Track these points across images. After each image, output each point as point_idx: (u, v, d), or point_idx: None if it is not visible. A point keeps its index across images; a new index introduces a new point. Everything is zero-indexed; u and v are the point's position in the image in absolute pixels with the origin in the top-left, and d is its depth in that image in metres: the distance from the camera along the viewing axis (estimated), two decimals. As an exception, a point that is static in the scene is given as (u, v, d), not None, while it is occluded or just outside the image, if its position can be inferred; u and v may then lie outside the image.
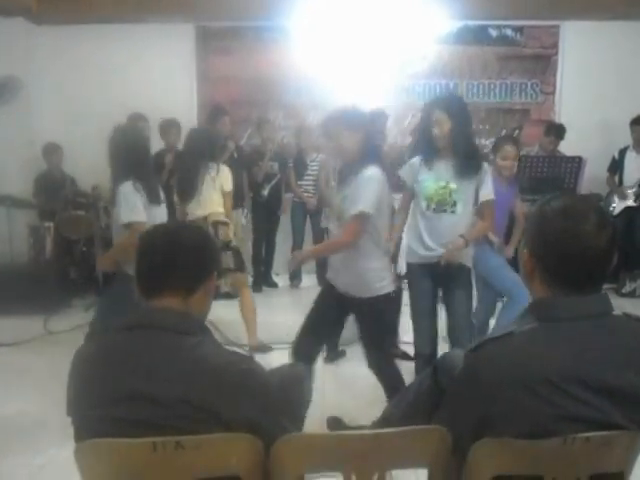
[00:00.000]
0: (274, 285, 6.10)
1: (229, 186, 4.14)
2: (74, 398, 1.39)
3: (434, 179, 3.01)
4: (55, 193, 5.61)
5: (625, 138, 5.87)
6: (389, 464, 1.44)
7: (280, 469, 1.35)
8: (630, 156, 5.87)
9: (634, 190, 5.78)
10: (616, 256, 1.35)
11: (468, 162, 2.97)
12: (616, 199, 5.86)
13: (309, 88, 6.36)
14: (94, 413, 1.32)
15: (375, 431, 1.45)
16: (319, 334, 2.90)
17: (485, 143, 6.33)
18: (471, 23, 6.34)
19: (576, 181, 4.99)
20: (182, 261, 1.42)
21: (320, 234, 5.79)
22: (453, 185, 2.98)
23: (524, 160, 5.20)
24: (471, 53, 6.42)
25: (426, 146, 3.09)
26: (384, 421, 2.04)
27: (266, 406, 1.37)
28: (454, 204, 2.99)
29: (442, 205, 3.01)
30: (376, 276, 2.76)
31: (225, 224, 4.09)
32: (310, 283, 5.88)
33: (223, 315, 3.93)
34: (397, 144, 6.39)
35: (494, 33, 6.40)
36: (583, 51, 6.22)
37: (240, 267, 4.14)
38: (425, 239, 3.05)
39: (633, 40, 6.16)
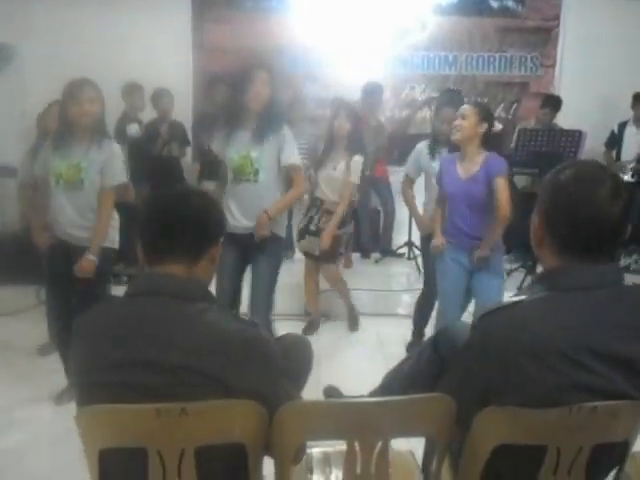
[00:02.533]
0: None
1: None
2: (77, 362, 1.37)
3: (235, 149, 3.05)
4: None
5: (624, 113, 5.82)
6: (393, 432, 1.43)
7: (283, 437, 1.34)
8: (630, 131, 5.82)
9: (632, 165, 5.74)
10: (629, 228, 1.33)
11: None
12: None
13: (305, 58, 6.22)
14: (98, 378, 1.30)
15: (380, 399, 1.45)
16: None
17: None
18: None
19: (575, 155, 4.97)
20: (185, 229, 1.39)
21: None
22: (254, 154, 3.02)
23: (522, 133, 5.16)
24: (471, 25, 6.30)
25: None
26: (382, 390, 2.02)
27: (272, 374, 1.36)
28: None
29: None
30: None
31: (331, 213, 4.05)
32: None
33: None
34: (395, 117, 6.32)
35: (495, 4, 6.28)
36: (585, 24, 6.10)
37: (327, 259, 4.14)
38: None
39: (635, 13, 6.05)
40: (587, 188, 1.29)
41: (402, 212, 5.60)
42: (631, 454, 1.42)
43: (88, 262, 2.97)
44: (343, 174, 3.96)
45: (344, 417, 1.38)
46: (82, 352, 1.36)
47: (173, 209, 1.41)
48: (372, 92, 5.48)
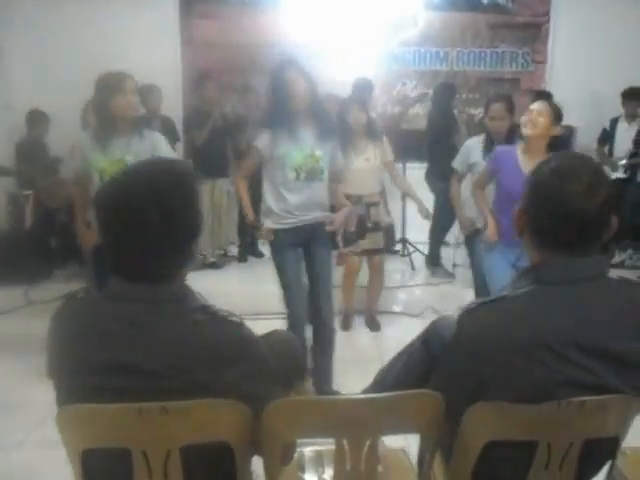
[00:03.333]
0: (260, 255, 6.01)
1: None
2: (55, 362, 1.33)
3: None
4: (36, 161, 5.47)
5: (616, 108, 5.82)
6: (382, 429, 1.42)
7: (271, 435, 1.32)
8: (621, 127, 5.82)
9: (624, 162, 5.75)
10: (615, 220, 1.32)
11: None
12: (606, 170, 5.82)
13: (295, 54, 6.18)
14: (77, 381, 1.27)
15: (368, 396, 1.43)
16: None
17: (474, 113, 6.25)
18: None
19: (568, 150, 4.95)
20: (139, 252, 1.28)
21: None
22: (318, 152, 3.00)
23: (515, 129, 5.15)
24: (462, 20, 6.29)
25: None
26: (375, 388, 2.00)
27: (259, 373, 1.32)
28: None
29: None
30: None
31: (376, 204, 4.12)
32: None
33: (207, 286, 3.86)
34: (387, 113, 6.29)
35: (485, 0, 6.27)
36: (575, 19, 6.11)
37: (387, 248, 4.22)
38: None
39: (625, 9, 6.06)
40: (562, 183, 1.29)
41: (396, 209, 5.60)
42: (622, 449, 1.42)
43: None
44: (381, 158, 4.08)
45: (332, 414, 1.36)
46: (59, 351, 1.33)
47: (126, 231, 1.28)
48: (362, 88, 5.46)
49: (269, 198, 3.02)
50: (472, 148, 3.72)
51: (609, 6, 6.03)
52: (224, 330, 1.29)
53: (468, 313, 1.34)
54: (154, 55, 5.90)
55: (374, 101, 5.91)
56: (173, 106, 5.79)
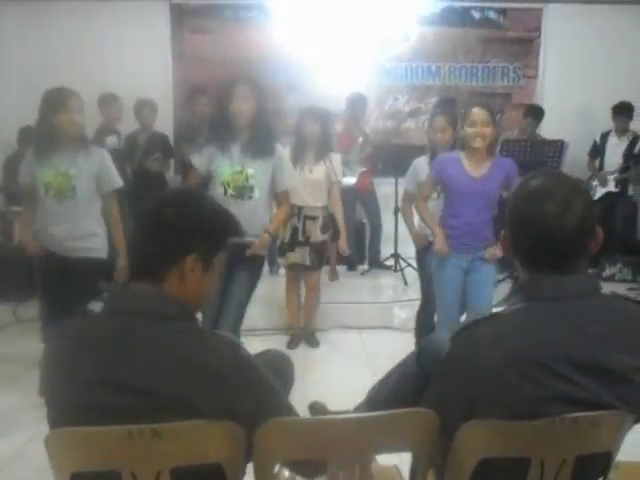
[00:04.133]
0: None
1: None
2: (50, 380, 1.32)
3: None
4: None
5: (607, 123, 5.86)
6: (375, 449, 1.42)
7: (263, 456, 1.31)
8: (612, 141, 5.88)
9: (615, 176, 5.78)
10: (600, 231, 1.32)
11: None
12: (597, 184, 5.85)
13: (287, 69, 6.19)
14: (68, 398, 1.26)
15: (360, 415, 1.42)
16: None
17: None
18: (455, 4, 6.26)
19: (558, 165, 5.02)
20: (143, 243, 1.33)
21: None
22: (250, 170, 3.02)
23: (506, 144, 5.18)
24: (454, 35, 6.34)
25: None
26: (368, 405, 1.99)
27: (261, 394, 1.30)
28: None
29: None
30: None
31: (314, 219, 4.03)
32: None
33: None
34: (379, 127, 6.30)
35: (477, 15, 6.33)
36: (566, 35, 6.17)
37: (317, 266, 4.11)
38: None
39: (615, 24, 6.13)
40: (535, 204, 1.30)
41: (388, 223, 5.58)
42: (615, 463, 1.41)
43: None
44: (326, 177, 3.98)
45: (324, 434, 1.35)
46: (55, 369, 1.31)
47: (140, 220, 1.35)
48: (356, 103, 5.49)
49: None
50: (419, 166, 3.63)
51: (600, 21, 6.11)
52: (221, 349, 1.27)
53: (461, 331, 1.35)
54: (145, 69, 5.91)
55: (367, 116, 5.92)
56: (164, 121, 5.78)
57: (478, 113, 3.05)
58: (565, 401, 1.24)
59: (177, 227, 1.31)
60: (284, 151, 3.15)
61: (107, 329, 1.28)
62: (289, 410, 1.35)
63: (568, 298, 1.29)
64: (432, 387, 1.44)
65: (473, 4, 6.26)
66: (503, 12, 6.30)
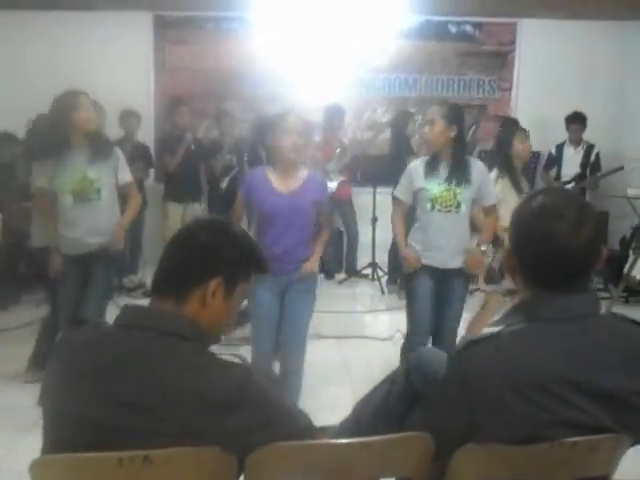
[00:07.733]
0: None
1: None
2: (52, 389, 1.28)
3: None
4: (5, 184, 5.40)
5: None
6: (370, 473, 1.38)
7: None
8: (568, 151, 5.96)
9: (572, 185, 5.86)
10: (602, 252, 1.31)
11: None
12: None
13: (268, 80, 6.24)
14: (65, 409, 1.23)
15: (355, 440, 1.37)
16: None
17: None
18: (432, 18, 6.36)
19: (534, 176, 5.08)
20: (169, 265, 1.33)
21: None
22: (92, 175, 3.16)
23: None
24: (431, 48, 6.44)
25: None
26: (354, 421, 1.87)
27: (267, 425, 1.26)
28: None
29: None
30: None
31: None
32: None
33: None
34: (357, 138, 6.39)
35: (453, 29, 6.44)
36: (540, 49, 6.31)
37: None
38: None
39: (588, 38, 6.28)
40: (547, 223, 1.27)
41: (365, 233, 5.65)
42: None
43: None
44: None
45: (318, 459, 1.33)
46: (59, 379, 1.28)
47: (170, 245, 1.37)
48: (334, 114, 5.56)
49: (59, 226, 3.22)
50: (414, 171, 3.15)
51: (573, 35, 6.26)
52: (230, 378, 1.23)
53: (460, 351, 1.30)
54: (127, 80, 5.91)
55: (345, 127, 6.00)
56: (146, 131, 5.79)
57: (295, 122, 2.76)
58: (565, 425, 1.22)
59: (207, 246, 1.33)
60: (118, 149, 3.34)
61: (118, 344, 1.26)
62: (305, 430, 1.32)
63: (570, 319, 1.27)
64: (426, 409, 1.41)
65: (450, 18, 6.36)
66: (479, 26, 6.42)
